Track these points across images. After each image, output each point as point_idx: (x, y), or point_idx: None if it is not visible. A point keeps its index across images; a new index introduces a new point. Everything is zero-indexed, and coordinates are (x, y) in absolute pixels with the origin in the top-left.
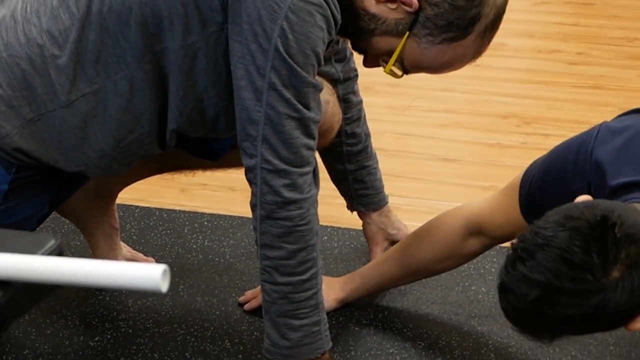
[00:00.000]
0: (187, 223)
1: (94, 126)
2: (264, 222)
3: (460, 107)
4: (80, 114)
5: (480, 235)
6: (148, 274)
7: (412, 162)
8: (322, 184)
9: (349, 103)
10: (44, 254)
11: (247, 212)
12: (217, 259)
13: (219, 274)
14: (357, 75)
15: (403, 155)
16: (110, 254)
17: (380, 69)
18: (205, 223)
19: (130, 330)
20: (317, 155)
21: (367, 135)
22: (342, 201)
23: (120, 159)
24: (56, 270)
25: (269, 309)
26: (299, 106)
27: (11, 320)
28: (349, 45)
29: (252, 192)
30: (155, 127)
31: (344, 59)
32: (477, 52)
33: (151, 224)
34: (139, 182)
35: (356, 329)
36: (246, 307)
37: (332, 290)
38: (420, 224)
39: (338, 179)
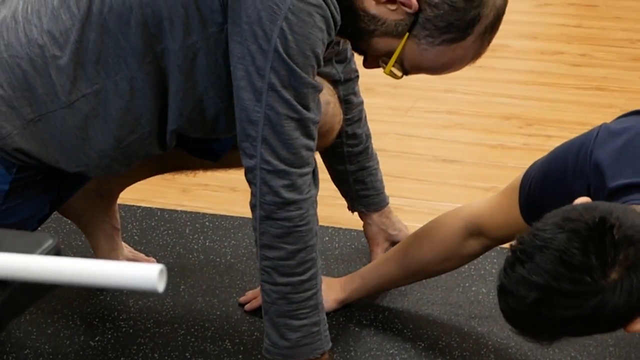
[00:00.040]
0: (188, 223)
1: (94, 126)
2: (264, 222)
3: (463, 108)
4: (80, 114)
5: (480, 236)
6: (145, 273)
7: (413, 163)
8: (322, 184)
9: (350, 104)
10: (41, 253)
11: (248, 213)
12: (218, 259)
13: (220, 274)
14: (358, 76)
15: (404, 156)
16: (111, 254)
17: (381, 70)
18: (207, 223)
19: (131, 330)
20: (317, 155)
21: (368, 136)
22: (343, 202)
23: (120, 159)
24: (53, 270)
25: (268, 310)
26: (299, 107)
27: (9, 319)
28: (349, 46)
29: (252, 193)
30: (156, 128)
31: (345, 60)
32: (477, 53)
33: (153, 224)
34: (140, 182)
35: (356, 329)
36: (247, 307)
37: (332, 291)
38: (421, 225)
39: (339, 180)
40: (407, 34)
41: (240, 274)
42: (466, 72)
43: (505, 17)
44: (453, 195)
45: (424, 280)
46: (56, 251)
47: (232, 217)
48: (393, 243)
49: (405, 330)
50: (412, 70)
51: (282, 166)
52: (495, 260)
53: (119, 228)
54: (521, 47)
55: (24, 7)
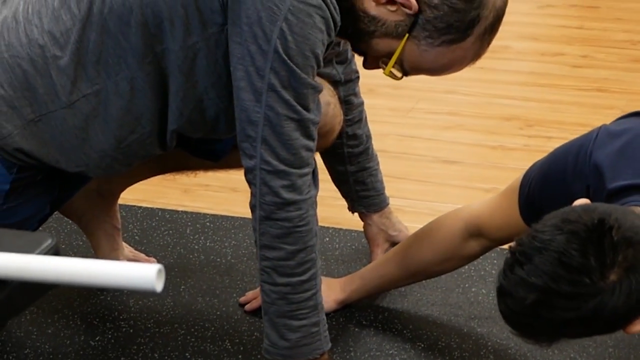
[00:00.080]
0: (189, 224)
1: (95, 127)
2: (263, 222)
3: (463, 109)
4: (81, 114)
5: (480, 237)
6: (143, 273)
7: (414, 164)
8: (323, 185)
9: (350, 105)
10: (40, 253)
11: (249, 213)
12: (218, 259)
13: (221, 274)
14: (358, 77)
15: (405, 157)
16: (112, 254)
17: (382, 70)
18: (208, 224)
19: (131, 330)
20: (317, 156)
21: (368, 137)
22: (343, 202)
23: (121, 159)
24: (52, 270)
25: (268, 310)
26: (298, 107)
27: (8, 319)
28: (350, 47)
29: (252, 193)
30: (156, 128)
31: (346, 61)
32: (477, 54)
33: (153, 224)
34: (141, 182)
35: (356, 329)
36: (247, 307)
37: (332, 292)
38: (421, 226)
39: (339, 181)
40: (407, 35)
41: (241, 274)
42: (467, 73)
43: (506, 19)
44: (453, 196)
45: (423, 281)
46: (55, 251)
47: (232, 217)
48: (393, 244)
49: (405, 331)
50: (412, 71)
51: (282, 167)
52: (495, 261)
53: (119, 228)
54: (522, 49)
55: (24, 7)
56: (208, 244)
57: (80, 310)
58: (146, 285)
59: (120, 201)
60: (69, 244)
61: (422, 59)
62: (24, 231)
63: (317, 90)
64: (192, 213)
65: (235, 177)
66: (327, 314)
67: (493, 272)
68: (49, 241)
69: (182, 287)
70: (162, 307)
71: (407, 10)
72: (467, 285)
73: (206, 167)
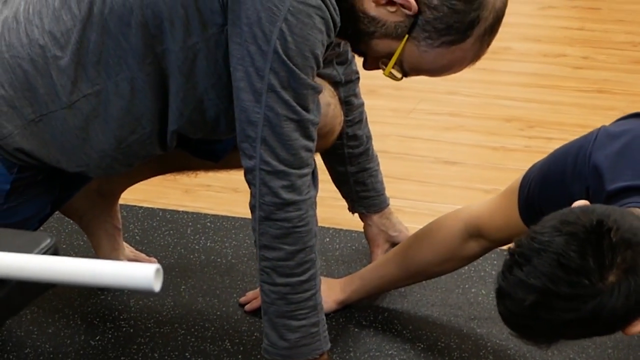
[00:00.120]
0: (190, 224)
1: (95, 127)
2: (263, 223)
3: (465, 110)
4: (81, 114)
5: (479, 238)
6: (141, 273)
7: (415, 164)
8: (323, 185)
9: (351, 105)
10: (39, 252)
11: (249, 214)
12: (219, 259)
13: (221, 274)
14: (358, 78)
15: (406, 158)
16: (112, 254)
17: (382, 71)
18: (208, 224)
19: (132, 330)
20: (318, 157)
21: (369, 138)
22: (344, 203)
23: (121, 159)
24: (50, 269)
25: (267, 310)
26: (298, 108)
27: (6, 318)
28: (350, 47)
29: (251, 194)
30: (156, 128)
31: (346, 62)
32: (476, 55)
33: (154, 224)
34: (142, 182)
35: (356, 330)
36: (247, 307)
37: (332, 292)
38: (422, 227)
39: (339, 181)
40: (407, 35)
41: (241, 274)
42: (468, 74)
43: (507, 20)
44: (454, 197)
45: (423, 282)
46: (54, 250)
47: (233, 217)
48: (393, 244)
49: (404, 331)
50: (412, 72)
51: (282, 167)
52: (495, 262)
53: (120, 228)
54: (524, 50)
55: (25, 7)
56: (209, 244)
57: (81, 309)
58: (144, 285)
59: (121, 201)
60: (70, 244)
61: (421, 59)
62: (23, 231)
63: (317, 90)
64: (193, 213)
65: (236, 178)
66: (327, 315)
67: (493, 273)
68: (48, 241)
69: (183, 287)
70: (163, 307)
71: (407, 11)
72: (466, 286)
73: (207, 168)
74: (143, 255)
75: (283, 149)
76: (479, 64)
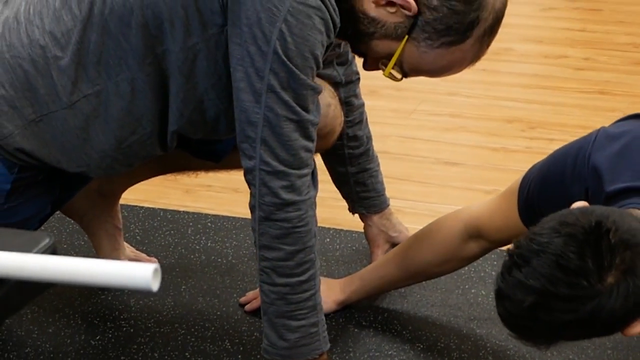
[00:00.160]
0: (190, 224)
1: (95, 127)
2: (263, 223)
3: (465, 111)
4: (82, 114)
5: (479, 239)
6: (139, 273)
7: (416, 165)
8: (324, 186)
9: (351, 106)
10: (38, 252)
11: (250, 214)
12: (219, 259)
13: (221, 274)
14: (359, 79)
15: (407, 159)
16: (113, 254)
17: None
18: (209, 224)
19: (132, 330)
20: (318, 157)
21: (369, 138)
22: (344, 203)
23: (121, 159)
24: (49, 269)
25: (267, 310)
26: (298, 108)
27: (5, 317)
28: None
29: (251, 194)
30: (157, 129)
31: (346, 62)
32: (476, 56)
33: (155, 224)
34: (143, 183)
35: (355, 330)
36: (247, 307)
37: (331, 292)
38: (422, 227)
39: (339, 182)
40: (407, 36)
41: (241, 274)
42: (469, 75)
43: (509, 21)
44: (455, 197)
45: (423, 282)
46: (53, 250)
47: (234, 218)
48: (393, 245)
49: (404, 332)
50: (412, 73)
51: (281, 167)
52: (495, 263)
53: (121, 228)
54: (525, 51)
55: (26, 8)
56: (209, 244)
57: (81, 309)
58: (142, 285)
59: (122, 201)
60: (71, 244)
61: (421, 60)
62: (22, 230)
63: (317, 91)
64: (193, 213)
65: (237, 178)
66: (327, 315)
67: (493, 273)
68: (47, 240)
69: (183, 287)
70: (163, 307)
71: (407, 12)
72: (466, 286)
73: (207, 168)
74: (144, 255)
75: (283, 149)
76: (480, 65)
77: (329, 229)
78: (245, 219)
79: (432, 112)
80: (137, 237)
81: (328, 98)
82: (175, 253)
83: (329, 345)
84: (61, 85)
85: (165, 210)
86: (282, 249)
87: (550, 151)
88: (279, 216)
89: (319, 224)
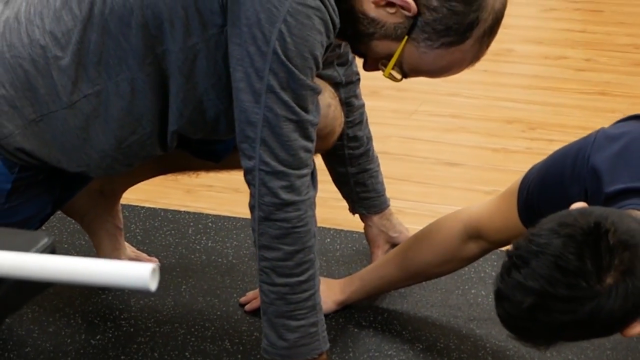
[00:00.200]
0: (191, 224)
1: (95, 127)
2: (262, 223)
3: (466, 111)
4: (82, 114)
5: (479, 240)
6: (137, 272)
7: (416, 166)
8: (325, 186)
9: (351, 106)
10: (36, 251)
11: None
12: (220, 259)
13: (222, 274)
14: (359, 79)
15: (408, 159)
16: (113, 254)
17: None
18: (210, 224)
19: (132, 329)
20: (318, 157)
21: (369, 139)
22: (345, 204)
23: (121, 159)
24: (47, 268)
25: (266, 310)
26: (297, 109)
27: (3, 317)
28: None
29: (251, 194)
30: (157, 129)
31: (347, 63)
32: (476, 56)
33: (156, 224)
34: (144, 183)
35: (355, 330)
36: (247, 307)
37: (331, 292)
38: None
39: (340, 182)
40: (406, 37)
41: (242, 274)
42: (470, 75)
43: (510, 22)
44: (455, 198)
45: (423, 283)
46: (51, 249)
47: (234, 218)
48: (394, 245)
49: (404, 332)
50: (411, 73)
51: (281, 167)
52: (495, 264)
53: (121, 228)
54: (526, 52)
55: (26, 8)
56: (210, 244)
57: (82, 309)
58: (140, 284)
59: (123, 201)
60: (72, 244)
61: (421, 61)
62: (20, 230)
63: (316, 91)
64: (194, 213)
65: (238, 178)
66: (327, 315)
67: (493, 274)
68: (46, 240)
69: (183, 287)
70: (163, 307)
71: (406, 13)
72: (466, 287)
73: (208, 168)
74: (144, 255)
75: (282, 149)
76: (481, 65)
77: (329, 229)
78: (246, 219)
79: (433, 113)
80: (138, 237)
81: (328, 99)
82: (175, 253)
83: (328, 345)
84: (61, 85)
85: (166, 210)
86: (281, 249)
87: (551, 152)
88: (278, 216)
89: (319, 224)
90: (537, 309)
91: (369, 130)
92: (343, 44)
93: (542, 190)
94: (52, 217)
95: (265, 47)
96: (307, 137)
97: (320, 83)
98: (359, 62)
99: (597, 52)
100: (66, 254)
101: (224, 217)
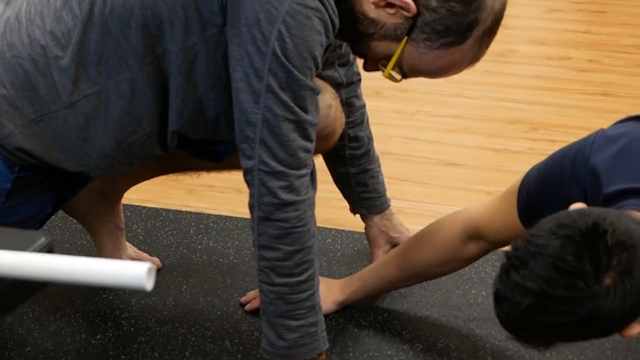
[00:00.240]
0: (193, 224)
1: (95, 127)
2: (262, 223)
3: (468, 112)
4: (82, 114)
5: (479, 240)
6: (133, 271)
7: (418, 166)
8: (326, 186)
9: (352, 107)
10: (33, 251)
11: None
12: (221, 259)
13: (222, 274)
14: (360, 80)
15: (410, 160)
16: (115, 254)
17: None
18: (211, 224)
19: (132, 329)
20: (319, 157)
21: (370, 139)
22: (346, 204)
23: (121, 159)
24: (43, 268)
25: (266, 310)
26: (296, 109)
27: (1, 316)
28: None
29: (250, 194)
30: (157, 129)
31: (347, 63)
32: (475, 57)
33: (157, 224)
34: (146, 183)
35: (355, 330)
36: (247, 307)
37: (331, 292)
38: None
39: (341, 182)
40: (406, 37)
41: (243, 274)
42: (473, 76)
43: (513, 23)
44: (457, 198)
45: (423, 283)
46: (49, 249)
47: (236, 218)
48: (394, 245)
49: (404, 332)
50: (411, 74)
51: (280, 167)
52: (495, 264)
53: (123, 227)
54: (529, 53)
55: (27, 8)
56: (211, 244)
57: (82, 308)
58: (136, 284)
59: (124, 201)
60: (73, 243)
61: (420, 61)
62: (18, 229)
63: (315, 92)
64: (196, 213)
65: (240, 178)
66: (327, 315)
67: (493, 274)
68: (43, 239)
69: (184, 286)
70: (164, 306)
71: (406, 13)
72: (467, 287)
73: (209, 168)
74: (145, 255)
75: (281, 149)
76: (484, 66)
77: (330, 229)
78: (248, 219)
79: (436, 114)
80: (140, 237)
81: (329, 99)
82: (177, 253)
83: (327, 345)
84: (61, 84)
85: (167, 210)
86: (280, 249)
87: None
88: (277, 216)
89: (321, 224)
90: (536, 310)
91: (369, 130)
92: (344, 44)
93: (542, 190)
94: (54, 216)
95: (264, 47)
96: (307, 137)
97: (321, 84)
98: (359, 62)
99: (601, 52)
100: (68, 253)
101: (226, 217)
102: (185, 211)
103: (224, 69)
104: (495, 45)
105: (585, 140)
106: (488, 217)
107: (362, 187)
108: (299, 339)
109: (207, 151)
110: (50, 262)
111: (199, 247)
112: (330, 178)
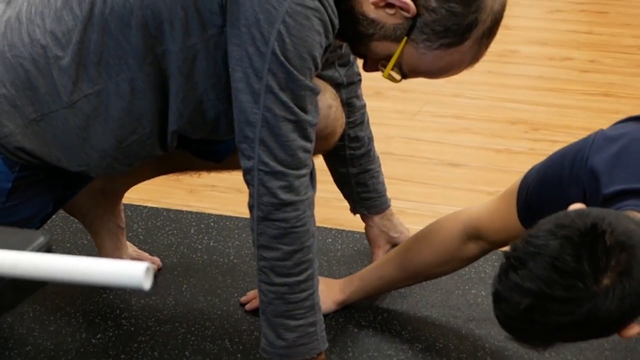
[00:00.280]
0: (193, 224)
1: (95, 126)
2: (261, 223)
3: (469, 112)
4: (82, 114)
5: (478, 240)
6: (131, 271)
7: (419, 166)
8: (326, 187)
9: (352, 107)
10: (32, 250)
11: None
12: (221, 259)
13: (223, 274)
14: (360, 80)
15: (411, 160)
16: (115, 253)
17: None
18: (212, 224)
19: (132, 329)
20: (320, 158)
21: (370, 139)
22: (346, 204)
23: (121, 159)
24: (41, 267)
25: (265, 309)
26: (296, 109)
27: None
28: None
29: (250, 194)
30: (157, 129)
31: (348, 63)
32: (475, 57)
33: (158, 224)
34: (147, 182)
35: (355, 330)
36: (247, 307)
37: (331, 292)
38: None
39: (341, 182)
40: (405, 38)
41: (243, 274)
42: (475, 76)
43: (515, 23)
44: (458, 199)
45: (423, 283)
46: (47, 248)
47: (237, 218)
48: (394, 245)
49: (403, 332)
50: (411, 74)
51: (280, 167)
52: (495, 264)
53: (123, 227)
54: (531, 53)
55: (28, 8)
56: (211, 244)
57: (83, 308)
58: (134, 283)
59: (125, 201)
60: (74, 243)
61: (420, 61)
62: (17, 228)
63: (315, 92)
64: (196, 213)
65: (240, 178)
66: (326, 315)
67: (493, 274)
68: (41, 239)
69: (184, 286)
70: (164, 306)
71: (406, 14)
72: (466, 287)
73: (209, 168)
74: (146, 255)
75: (281, 149)
76: (485, 66)
77: (330, 229)
78: (248, 219)
79: (437, 114)
80: (140, 237)
81: (329, 99)
82: (177, 252)
83: (327, 344)
84: (62, 84)
85: (168, 210)
86: (280, 248)
87: None
88: (277, 216)
89: (321, 224)
90: (535, 310)
91: (370, 130)
92: (344, 44)
93: (541, 191)
94: (54, 216)
95: (264, 47)
96: (306, 138)
97: (321, 84)
98: (360, 62)
99: (602, 53)
100: (68, 253)
101: (226, 217)
102: (186, 211)
103: (224, 69)
104: (497, 45)
105: (584, 141)
106: (488, 217)
107: (362, 187)
108: (298, 338)
109: (207, 151)
110: (48, 261)
111: (200, 246)
112: (330, 178)
